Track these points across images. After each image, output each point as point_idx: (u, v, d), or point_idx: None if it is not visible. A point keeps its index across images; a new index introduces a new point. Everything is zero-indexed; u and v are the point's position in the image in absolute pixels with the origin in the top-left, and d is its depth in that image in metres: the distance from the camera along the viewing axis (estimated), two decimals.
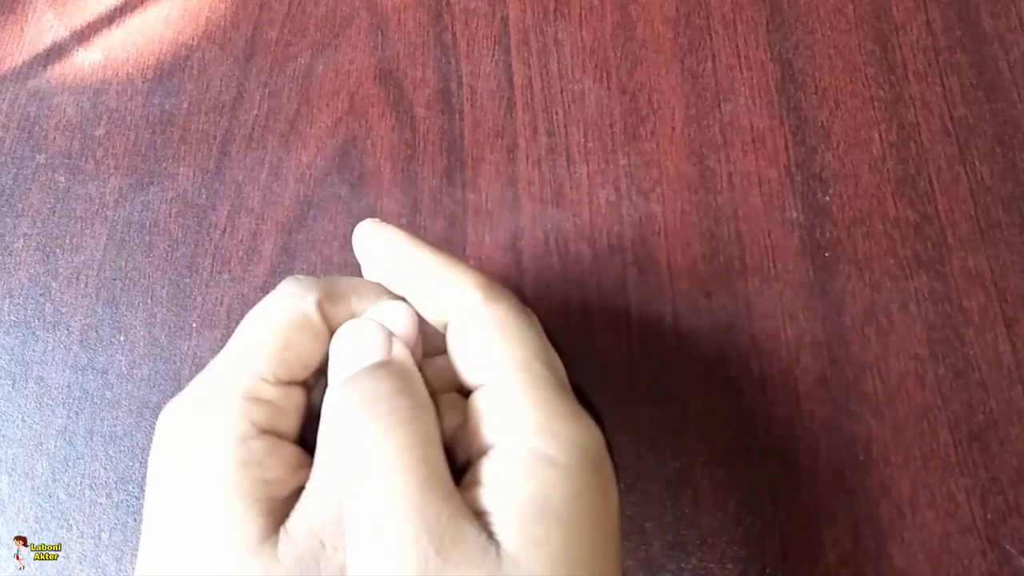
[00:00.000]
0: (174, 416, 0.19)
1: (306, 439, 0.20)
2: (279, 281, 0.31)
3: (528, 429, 0.17)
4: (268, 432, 0.19)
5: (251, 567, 0.17)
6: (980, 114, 0.31)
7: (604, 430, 0.19)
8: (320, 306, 0.20)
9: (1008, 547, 0.25)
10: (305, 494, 0.18)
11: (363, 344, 0.19)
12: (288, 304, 0.20)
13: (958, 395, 0.27)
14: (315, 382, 0.22)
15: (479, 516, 0.16)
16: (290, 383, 0.20)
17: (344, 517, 0.17)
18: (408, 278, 0.21)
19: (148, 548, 0.18)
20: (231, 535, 0.17)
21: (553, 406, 0.18)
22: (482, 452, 0.18)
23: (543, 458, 0.17)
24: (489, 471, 0.17)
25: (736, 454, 0.27)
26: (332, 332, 0.21)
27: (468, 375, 0.19)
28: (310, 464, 0.19)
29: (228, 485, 0.18)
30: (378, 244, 0.21)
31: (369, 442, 0.17)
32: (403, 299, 0.21)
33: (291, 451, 0.19)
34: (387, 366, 0.18)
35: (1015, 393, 0.27)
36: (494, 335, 0.19)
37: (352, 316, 0.21)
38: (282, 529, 0.18)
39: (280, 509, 0.18)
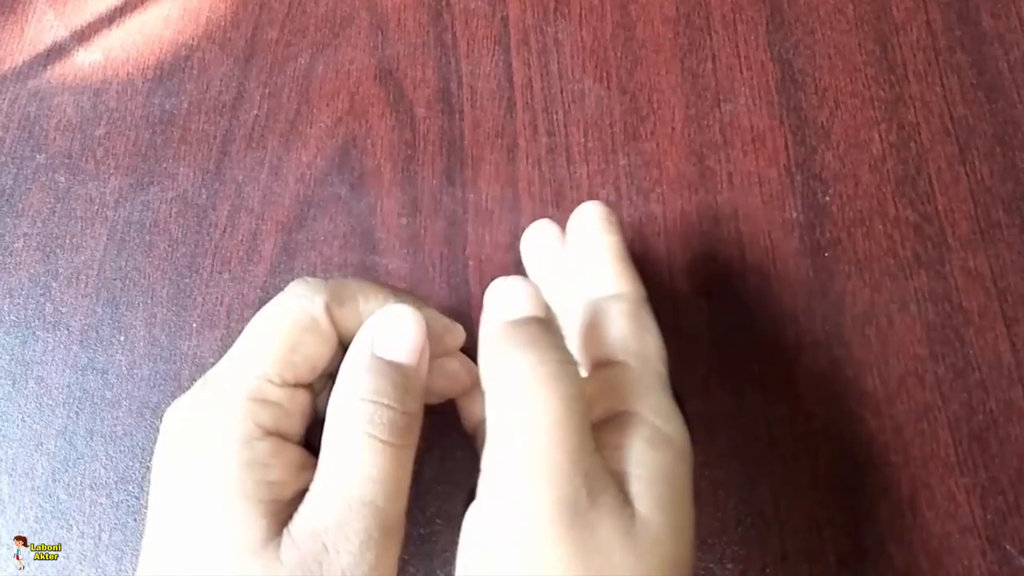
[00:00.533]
0: (178, 416, 0.20)
1: (310, 442, 0.20)
2: (279, 281, 0.31)
3: (650, 409, 0.19)
4: (273, 434, 0.19)
5: (253, 568, 0.17)
6: (980, 114, 0.31)
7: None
8: (328, 309, 0.20)
9: (1008, 547, 0.25)
10: (309, 496, 0.19)
11: (523, 297, 0.19)
12: (296, 306, 0.20)
13: (958, 395, 0.27)
14: (321, 386, 0.22)
15: (612, 475, 0.18)
16: (296, 385, 0.20)
17: (493, 442, 0.18)
18: (584, 259, 0.23)
19: (150, 548, 0.19)
20: (234, 536, 0.17)
21: (668, 397, 0.20)
22: (605, 416, 0.19)
23: (664, 437, 0.19)
24: (617, 438, 0.18)
25: (736, 454, 0.27)
26: (340, 335, 0.21)
27: (605, 350, 0.21)
28: (314, 466, 0.19)
29: (232, 486, 0.18)
30: (589, 219, 0.23)
31: (535, 383, 0.17)
32: (409, 302, 0.21)
33: (295, 453, 0.20)
34: (549, 322, 0.19)
35: (1015, 393, 0.27)
36: (638, 329, 0.21)
37: (359, 319, 0.21)
38: (285, 531, 0.18)
39: (283, 511, 0.18)
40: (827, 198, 0.30)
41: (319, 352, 0.20)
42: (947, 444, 0.27)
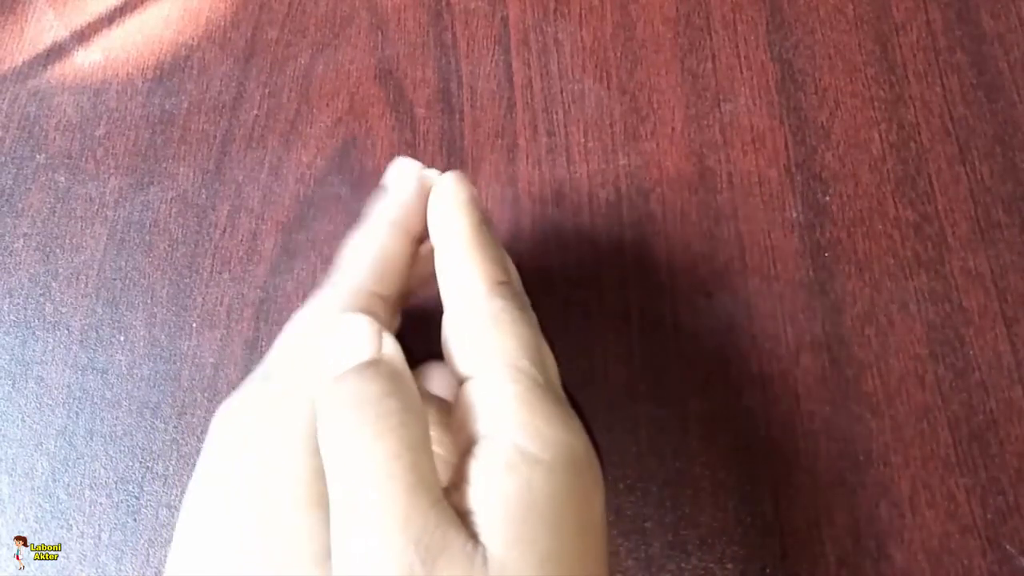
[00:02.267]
0: (239, 418, 0.19)
1: None
2: (279, 281, 0.31)
3: (512, 425, 0.17)
4: None
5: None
6: (980, 114, 0.31)
7: (591, 433, 0.19)
8: (377, 304, 0.20)
9: (1008, 547, 0.25)
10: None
11: (352, 340, 0.18)
12: (354, 296, 0.20)
13: (958, 395, 0.27)
14: None
15: (464, 516, 0.16)
16: None
17: (332, 521, 0.16)
18: (438, 247, 0.21)
19: (192, 547, 0.18)
20: (299, 546, 0.17)
21: (537, 404, 0.18)
22: (467, 446, 0.18)
23: (526, 456, 0.17)
24: (473, 468, 0.17)
25: (736, 454, 0.27)
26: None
27: (458, 365, 0.19)
28: None
29: (302, 494, 0.17)
30: (438, 197, 0.21)
31: (357, 447, 0.16)
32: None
33: None
34: (376, 365, 0.18)
35: (1015, 393, 0.27)
36: (487, 327, 0.19)
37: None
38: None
39: None
40: (827, 198, 0.30)
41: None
42: (947, 444, 0.27)
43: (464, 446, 0.18)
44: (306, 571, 0.17)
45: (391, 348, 0.18)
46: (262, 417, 0.19)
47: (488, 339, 0.19)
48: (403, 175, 0.22)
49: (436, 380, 0.24)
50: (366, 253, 0.21)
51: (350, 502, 0.16)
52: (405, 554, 0.15)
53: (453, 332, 0.20)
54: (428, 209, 0.21)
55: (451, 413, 0.19)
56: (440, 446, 0.19)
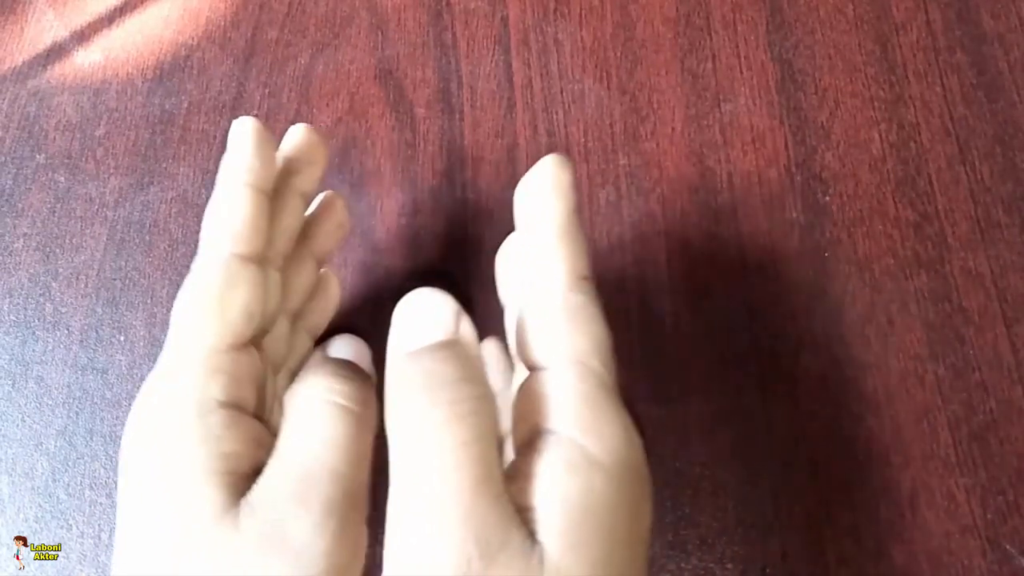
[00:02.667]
0: (138, 403, 0.20)
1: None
2: None
3: (576, 425, 0.17)
4: (227, 405, 0.19)
5: (210, 538, 0.17)
6: (980, 114, 0.31)
7: (645, 439, 0.19)
8: (248, 257, 0.21)
9: (1008, 547, 0.25)
10: (269, 465, 0.18)
11: (430, 317, 0.18)
12: (217, 266, 0.20)
13: (958, 395, 0.27)
14: (263, 335, 0.22)
15: (523, 511, 0.16)
16: (240, 346, 0.20)
17: (391, 500, 0.16)
18: (525, 229, 0.20)
19: (119, 527, 0.19)
20: (193, 509, 0.17)
21: (603, 406, 0.17)
22: (529, 438, 0.18)
23: (589, 459, 0.17)
24: (534, 464, 0.17)
25: (736, 454, 0.27)
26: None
27: (530, 353, 0.19)
28: (272, 442, 0.19)
29: (187, 461, 0.18)
30: (538, 177, 0.20)
31: (427, 431, 0.16)
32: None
33: (252, 426, 0.19)
34: (454, 346, 0.17)
35: (1015, 393, 0.27)
36: (564, 321, 0.18)
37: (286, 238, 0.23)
38: (243, 500, 0.18)
39: (242, 483, 0.18)
40: (827, 198, 0.30)
41: (253, 300, 0.20)
42: (947, 444, 0.27)
43: (525, 438, 0.18)
44: (201, 531, 0.17)
45: (468, 330, 0.18)
46: (154, 398, 0.19)
47: (563, 333, 0.18)
48: (239, 133, 0.22)
49: (346, 350, 0.24)
50: (217, 218, 0.21)
51: (413, 485, 0.16)
52: (464, 547, 0.15)
53: (529, 319, 0.19)
54: (520, 190, 0.21)
55: (514, 403, 0.19)
56: (343, 397, 0.19)
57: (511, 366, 0.25)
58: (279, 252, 0.23)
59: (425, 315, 0.18)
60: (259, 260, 0.21)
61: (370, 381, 0.20)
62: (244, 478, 0.18)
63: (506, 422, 0.19)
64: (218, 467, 0.18)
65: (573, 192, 0.20)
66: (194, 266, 0.21)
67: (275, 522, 0.17)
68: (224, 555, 0.17)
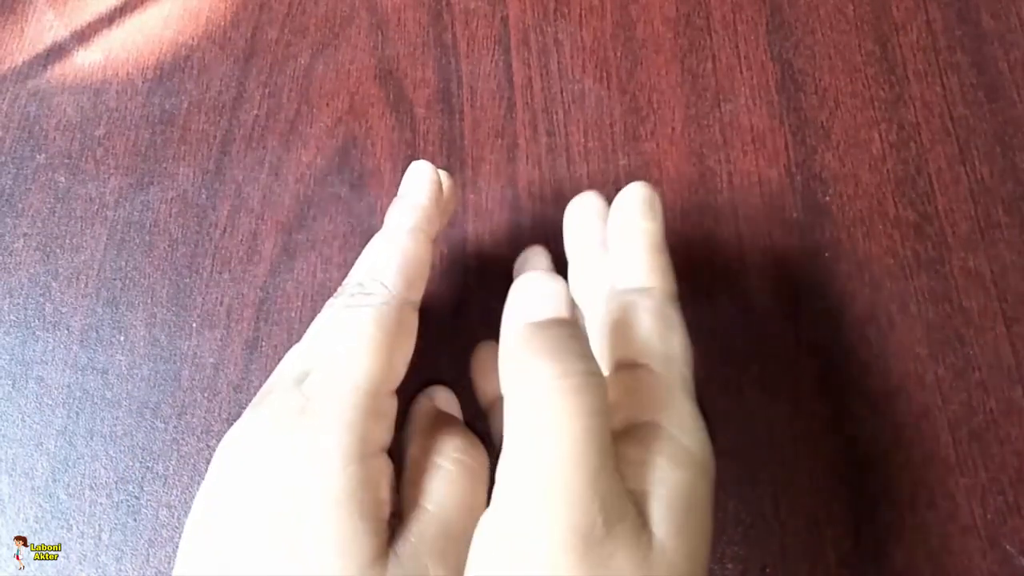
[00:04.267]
0: (281, 432, 0.19)
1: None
2: (279, 281, 0.31)
3: (675, 423, 0.18)
4: (384, 450, 0.19)
5: None
6: (980, 114, 0.31)
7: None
8: (411, 306, 0.21)
9: (1008, 547, 0.25)
10: (413, 521, 0.19)
11: (550, 294, 0.18)
12: (385, 310, 0.20)
13: (958, 395, 0.27)
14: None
15: (631, 494, 0.17)
16: (392, 392, 0.20)
17: (509, 458, 0.16)
18: (619, 244, 0.22)
19: (232, 553, 0.18)
20: (348, 554, 0.17)
21: (691, 408, 0.19)
22: (625, 426, 0.18)
23: (687, 453, 0.18)
24: (638, 453, 0.18)
25: (736, 454, 0.27)
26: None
27: (626, 349, 0.20)
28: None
29: (347, 505, 0.18)
30: (631, 200, 0.22)
31: (556, 397, 0.16)
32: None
33: (390, 467, 0.20)
34: (575, 325, 0.18)
35: (1015, 393, 0.27)
36: (663, 329, 0.20)
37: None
38: (391, 550, 0.18)
39: (385, 530, 0.19)
40: (827, 198, 0.30)
41: (409, 350, 0.21)
42: (947, 444, 0.27)
43: (620, 426, 0.18)
44: (364, 571, 0.17)
45: (578, 315, 0.19)
46: (297, 428, 0.19)
47: (661, 338, 0.20)
48: (419, 180, 0.23)
49: (443, 399, 0.25)
50: (397, 266, 0.21)
51: (540, 446, 0.16)
52: (592, 507, 0.15)
53: (629, 319, 0.20)
54: (615, 207, 0.23)
55: (611, 390, 0.19)
56: (467, 455, 0.20)
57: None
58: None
59: (545, 293, 0.18)
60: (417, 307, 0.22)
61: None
62: (386, 523, 0.19)
63: None
64: (376, 513, 0.18)
65: (663, 216, 0.22)
66: (349, 301, 0.21)
67: (417, 574, 0.18)
68: None
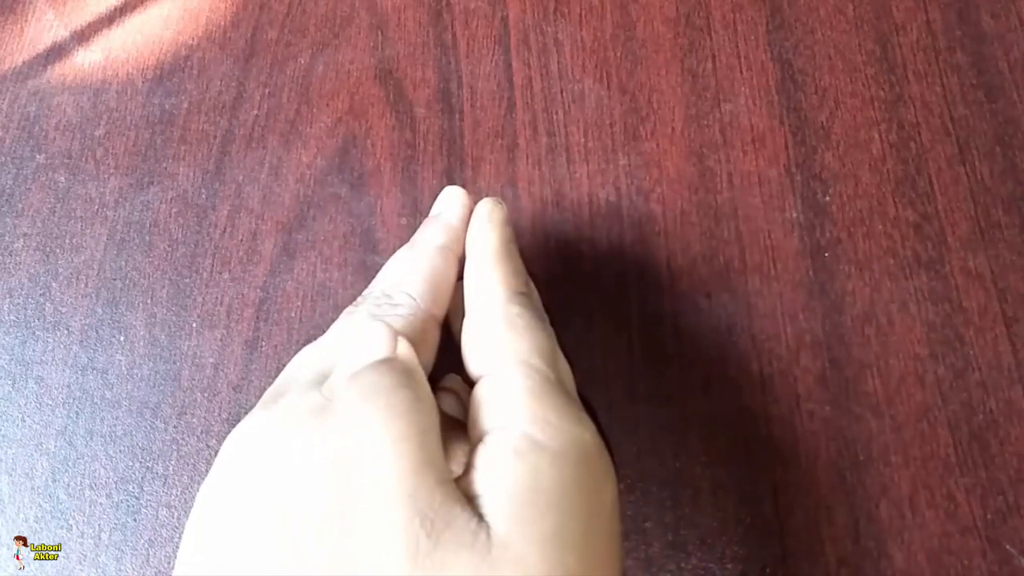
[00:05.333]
0: (300, 430, 0.19)
1: None
2: (279, 281, 0.31)
3: (521, 416, 0.18)
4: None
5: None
6: (980, 114, 0.31)
7: (603, 433, 0.19)
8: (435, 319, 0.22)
9: (1008, 547, 0.25)
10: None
11: (369, 341, 0.19)
12: (416, 319, 0.21)
13: (958, 395, 0.27)
14: None
15: (472, 500, 0.17)
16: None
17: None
18: (469, 258, 0.23)
19: (244, 553, 0.17)
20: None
21: (547, 397, 0.19)
22: (479, 440, 0.19)
23: (534, 443, 0.18)
24: (482, 456, 0.18)
25: (736, 454, 0.27)
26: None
27: (473, 366, 0.20)
28: None
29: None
30: (476, 216, 0.24)
31: (369, 433, 0.17)
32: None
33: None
34: (390, 362, 0.19)
35: (1015, 393, 0.27)
36: (503, 329, 0.20)
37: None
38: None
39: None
40: (827, 198, 0.30)
41: (429, 364, 0.22)
42: (947, 444, 0.27)
43: (476, 440, 0.19)
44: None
45: (405, 349, 0.19)
46: (318, 426, 0.18)
47: (502, 340, 0.20)
48: (452, 202, 0.24)
49: (445, 401, 0.25)
50: (425, 279, 0.22)
51: (361, 482, 0.17)
52: (411, 527, 0.16)
53: (471, 334, 0.21)
54: (469, 225, 0.24)
55: (466, 413, 0.20)
56: (450, 460, 0.20)
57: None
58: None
59: (364, 341, 0.19)
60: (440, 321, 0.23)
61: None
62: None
63: None
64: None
65: (507, 226, 0.23)
66: (374, 310, 0.22)
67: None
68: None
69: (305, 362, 0.21)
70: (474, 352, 0.21)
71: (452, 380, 0.25)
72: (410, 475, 0.16)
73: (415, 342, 0.20)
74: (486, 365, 0.20)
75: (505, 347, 0.20)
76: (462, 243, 0.24)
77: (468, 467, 0.18)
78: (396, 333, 0.19)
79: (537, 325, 0.21)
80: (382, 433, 0.17)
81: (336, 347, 0.21)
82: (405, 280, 0.22)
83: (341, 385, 0.19)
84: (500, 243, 0.23)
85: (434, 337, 0.22)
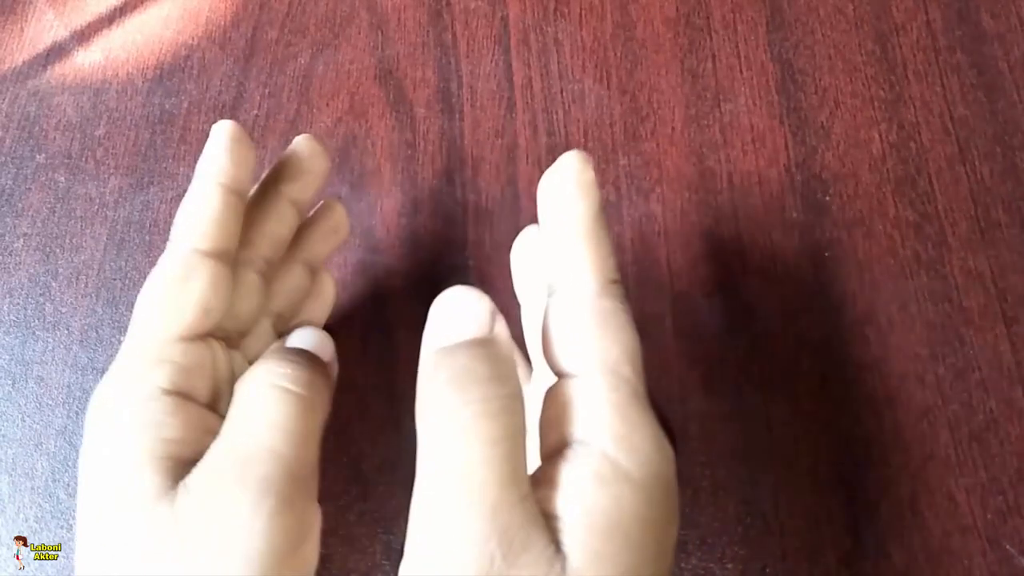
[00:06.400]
0: (97, 390, 0.20)
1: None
2: None
3: (607, 435, 0.17)
4: (172, 393, 0.19)
5: (151, 518, 0.18)
6: (980, 114, 0.31)
7: (676, 449, 0.18)
8: (213, 255, 0.21)
9: (1008, 547, 0.25)
10: (210, 449, 0.19)
11: (465, 314, 0.17)
12: (176, 258, 0.21)
13: (958, 395, 0.27)
14: (240, 335, 0.23)
15: (548, 519, 0.16)
16: (193, 337, 0.20)
17: (416, 493, 0.16)
18: (550, 230, 0.19)
19: (77, 510, 0.19)
20: (131, 491, 0.18)
21: (635, 417, 0.17)
22: (558, 446, 0.17)
23: (618, 470, 0.16)
24: (564, 473, 0.17)
25: (736, 454, 0.27)
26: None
27: (558, 360, 0.18)
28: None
29: (127, 446, 0.18)
30: (560, 175, 0.19)
31: (456, 427, 0.16)
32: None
33: (200, 414, 0.20)
34: (488, 345, 0.17)
35: (1015, 393, 0.27)
36: (595, 327, 0.18)
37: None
38: (181, 484, 0.18)
39: (184, 469, 0.18)
40: (827, 198, 0.30)
41: (210, 295, 0.21)
42: (947, 444, 0.27)
43: (554, 446, 0.17)
44: (135, 515, 0.18)
45: (503, 331, 0.17)
46: (106, 389, 0.20)
47: (594, 340, 0.18)
48: (216, 134, 0.23)
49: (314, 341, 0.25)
50: (183, 212, 0.21)
51: (440, 480, 0.16)
52: (488, 544, 0.15)
53: (557, 324, 0.18)
54: (542, 188, 0.20)
55: (549, 407, 0.18)
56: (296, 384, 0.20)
57: (527, 363, 0.25)
58: (261, 255, 0.24)
59: (461, 312, 0.17)
60: (224, 258, 0.21)
61: (321, 367, 0.21)
62: (187, 464, 0.19)
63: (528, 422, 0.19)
64: (158, 452, 0.18)
65: (597, 190, 0.19)
66: (159, 260, 0.21)
67: (211, 503, 0.17)
68: (161, 535, 0.17)
69: None
70: (557, 346, 0.18)
71: None
72: (494, 487, 0.15)
73: (178, 278, 0.20)
74: (570, 364, 0.18)
75: (595, 349, 0.18)
76: (235, 174, 0.22)
77: (545, 479, 0.17)
78: (495, 311, 0.17)
79: (629, 325, 0.18)
80: (471, 431, 0.15)
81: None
82: (175, 224, 0.22)
83: (429, 358, 0.17)
84: (592, 215, 0.19)
85: (201, 270, 0.21)
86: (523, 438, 0.16)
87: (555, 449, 0.17)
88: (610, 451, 0.16)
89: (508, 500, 0.15)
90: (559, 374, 0.18)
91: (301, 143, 0.25)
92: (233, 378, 0.22)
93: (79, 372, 0.30)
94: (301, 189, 0.24)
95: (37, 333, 0.31)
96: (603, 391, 0.17)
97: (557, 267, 0.19)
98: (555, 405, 0.18)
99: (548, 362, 0.19)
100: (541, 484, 0.17)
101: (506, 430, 0.16)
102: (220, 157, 0.22)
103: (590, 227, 0.19)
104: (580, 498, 0.16)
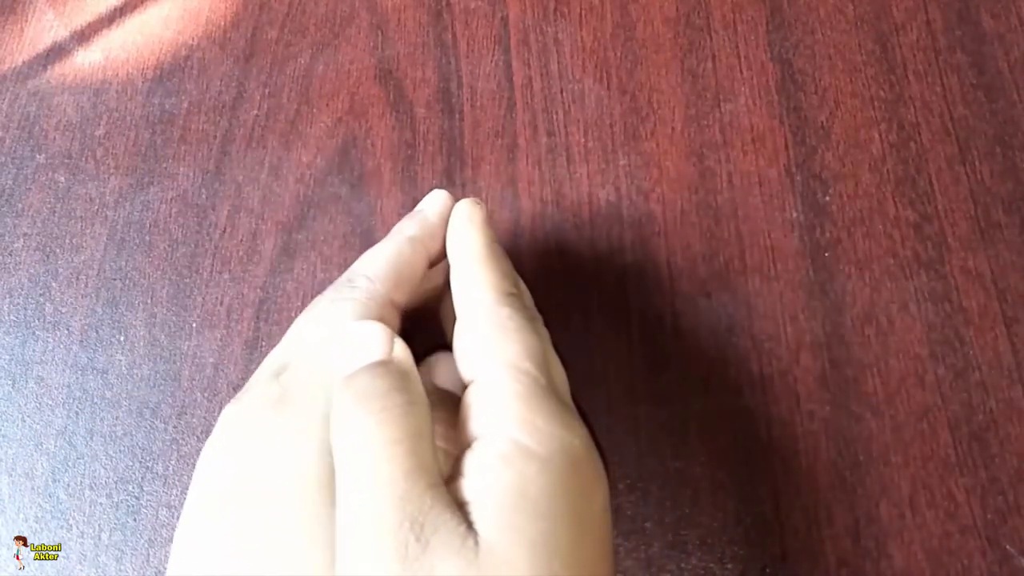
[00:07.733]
0: (254, 414, 0.20)
1: None
2: (279, 281, 0.31)
3: (510, 422, 0.18)
4: None
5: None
6: (980, 114, 0.31)
7: (596, 436, 0.19)
8: (392, 304, 0.22)
9: (1008, 547, 0.25)
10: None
11: (365, 343, 0.19)
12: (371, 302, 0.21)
13: (958, 395, 0.27)
14: None
15: (461, 506, 0.17)
16: None
17: (338, 502, 0.17)
18: (454, 261, 0.23)
19: (207, 538, 0.18)
20: (318, 543, 0.18)
21: (536, 402, 0.18)
22: (468, 445, 0.18)
23: (522, 449, 0.18)
24: (470, 462, 0.18)
25: (736, 454, 0.27)
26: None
27: (465, 369, 0.20)
28: None
29: (320, 493, 0.18)
30: (456, 217, 0.23)
31: (362, 436, 0.17)
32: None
33: None
34: (386, 364, 0.19)
35: (1015, 393, 0.27)
36: (493, 333, 0.20)
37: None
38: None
39: None
40: (827, 198, 0.30)
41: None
42: (947, 444, 0.27)
43: (465, 445, 0.19)
44: (314, 558, 0.17)
45: (400, 351, 0.19)
46: (274, 417, 0.19)
47: (493, 343, 0.20)
48: (433, 201, 0.24)
49: (443, 371, 0.25)
50: (388, 262, 0.22)
51: (354, 484, 0.17)
52: (400, 531, 0.16)
53: (462, 338, 0.21)
54: (448, 227, 0.23)
55: (456, 413, 0.20)
56: (445, 441, 0.20)
57: None
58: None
59: (360, 343, 0.19)
60: (400, 310, 0.23)
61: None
62: None
63: None
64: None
65: (488, 227, 0.23)
66: (333, 295, 0.22)
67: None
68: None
69: (270, 355, 0.22)
70: (464, 356, 0.20)
71: (440, 359, 0.25)
72: (400, 479, 0.16)
73: None
74: (476, 369, 0.20)
75: (495, 351, 0.19)
76: (437, 239, 0.24)
77: (457, 473, 0.18)
78: (392, 335, 0.19)
79: (528, 327, 0.20)
80: (375, 435, 0.17)
81: (295, 338, 0.21)
82: (368, 265, 0.22)
83: (337, 387, 0.19)
84: (483, 244, 0.22)
85: (392, 323, 0.22)
86: (429, 437, 0.18)
87: (467, 446, 0.18)
88: (513, 433, 0.18)
89: (415, 490, 0.16)
90: (468, 378, 0.20)
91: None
92: None
93: (79, 372, 0.30)
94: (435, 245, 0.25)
95: (37, 333, 0.31)
96: (505, 384, 0.19)
97: (460, 292, 0.22)
98: (464, 409, 0.19)
99: (461, 373, 0.20)
100: (452, 478, 0.18)
101: (407, 430, 0.17)
102: (434, 224, 0.24)
103: (484, 253, 0.22)
104: (486, 479, 0.17)
